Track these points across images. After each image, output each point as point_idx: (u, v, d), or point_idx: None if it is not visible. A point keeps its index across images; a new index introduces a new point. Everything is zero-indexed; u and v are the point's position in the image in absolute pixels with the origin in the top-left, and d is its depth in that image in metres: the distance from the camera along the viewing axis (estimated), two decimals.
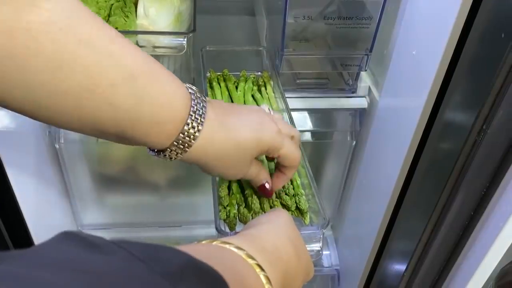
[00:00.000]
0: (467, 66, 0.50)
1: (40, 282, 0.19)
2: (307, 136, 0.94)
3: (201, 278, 0.26)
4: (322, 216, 0.52)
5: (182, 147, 0.42)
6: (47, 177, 0.84)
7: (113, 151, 0.92)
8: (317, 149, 0.97)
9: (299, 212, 0.55)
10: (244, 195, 0.56)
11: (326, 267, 1.04)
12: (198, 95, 0.43)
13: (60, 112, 0.37)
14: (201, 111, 0.42)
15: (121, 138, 0.41)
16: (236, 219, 0.53)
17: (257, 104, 0.71)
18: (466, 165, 0.51)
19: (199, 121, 0.42)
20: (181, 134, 0.42)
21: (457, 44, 0.51)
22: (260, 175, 0.52)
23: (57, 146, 0.81)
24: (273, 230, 0.41)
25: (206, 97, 0.45)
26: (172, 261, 0.25)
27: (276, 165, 0.56)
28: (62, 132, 0.80)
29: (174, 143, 0.42)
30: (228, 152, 0.45)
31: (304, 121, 0.87)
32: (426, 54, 0.58)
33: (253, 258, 0.34)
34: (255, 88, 0.73)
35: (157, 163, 0.98)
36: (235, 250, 0.34)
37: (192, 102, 0.42)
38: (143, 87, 0.38)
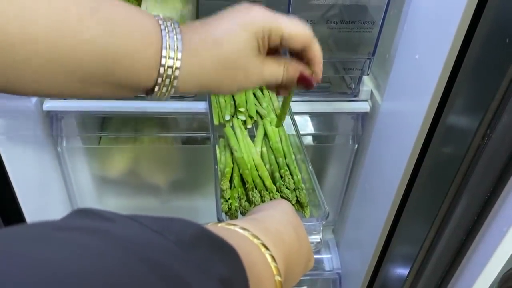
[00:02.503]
0: (471, 71, 0.50)
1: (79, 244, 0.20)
2: (309, 140, 0.94)
3: (214, 247, 0.27)
4: (322, 208, 0.53)
5: (168, 80, 0.39)
6: (48, 180, 0.84)
7: (114, 154, 0.92)
8: (319, 153, 0.97)
9: (300, 205, 0.56)
10: (245, 189, 0.57)
11: (328, 271, 1.04)
12: (168, 22, 0.40)
13: (44, 72, 0.36)
14: (174, 37, 0.39)
15: (112, 82, 0.39)
16: (237, 211, 0.54)
17: (259, 103, 0.71)
18: (470, 170, 0.51)
19: (175, 47, 0.39)
20: (161, 68, 0.39)
21: (460, 48, 0.51)
22: (285, 68, 0.45)
23: (59, 149, 0.81)
24: (275, 215, 0.41)
25: (178, 24, 0.42)
26: (184, 231, 0.26)
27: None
28: (64, 136, 0.80)
29: (159, 78, 0.39)
30: (223, 60, 0.41)
31: (306, 125, 0.87)
32: (429, 59, 0.58)
33: (258, 238, 0.34)
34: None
35: (158, 166, 0.98)
36: (240, 230, 0.34)
37: (162, 27, 0.39)
38: (108, 16, 0.37)
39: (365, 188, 0.85)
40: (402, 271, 0.71)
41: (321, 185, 1.01)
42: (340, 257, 1.04)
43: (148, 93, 0.41)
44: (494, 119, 0.45)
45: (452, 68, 0.53)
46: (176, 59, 0.39)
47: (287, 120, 0.68)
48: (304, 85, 0.47)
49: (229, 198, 0.55)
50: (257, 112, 0.70)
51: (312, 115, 0.84)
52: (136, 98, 0.78)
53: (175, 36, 0.39)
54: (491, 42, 0.46)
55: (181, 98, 0.78)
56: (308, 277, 1.05)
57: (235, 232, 0.35)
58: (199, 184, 0.99)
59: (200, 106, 0.76)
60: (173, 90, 0.40)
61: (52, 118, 0.77)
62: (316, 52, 0.46)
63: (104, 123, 0.94)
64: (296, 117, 0.82)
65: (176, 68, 0.39)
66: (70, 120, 0.80)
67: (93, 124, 0.92)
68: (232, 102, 0.71)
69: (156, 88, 0.40)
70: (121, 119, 0.93)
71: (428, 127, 0.59)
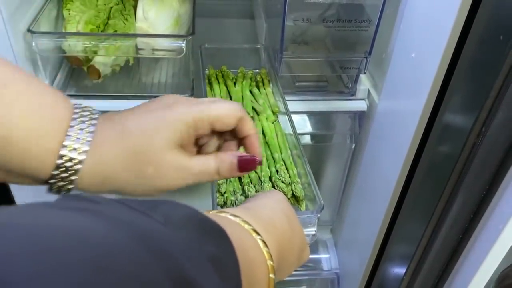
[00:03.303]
0: (466, 69, 0.50)
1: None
2: (307, 139, 0.94)
3: (202, 228, 0.27)
4: (317, 201, 0.53)
5: (66, 174, 0.35)
6: None
7: None
8: (316, 152, 0.97)
9: (295, 199, 0.57)
10: (241, 183, 0.57)
11: (326, 271, 1.03)
12: (86, 112, 0.36)
13: None
14: (86, 128, 0.35)
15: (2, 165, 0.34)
16: (233, 206, 0.54)
17: (256, 99, 0.72)
18: (465, 168, 0.51)
19: (82, 138, 0.35)
20: (59, 159, 0.34)
21: (456, 47, 0.51)
22: (217, 158, 0.40)
23: None
24: (268, 204, 0.41)
25: (99, 116, 0.37)
26: (172, 213, 0.25)
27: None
28: None
29: (56, 170, 0.35)
30: (130, 153, 0.36)
31: (303, 124, 0.87)
32: (425, 57, 0.58)
33: (249, 224, 0.34)
34: (253, 84, 0.75)
35: None
36: (231, 217, 0.35)
37: (75, 115, 0.35)
38: (14, 94, 0.33)
39: (363, 187, 0.85)
40: (400, 270, 0.71)
41: (319, 184, 1.00)
42: (338, 256, 1.04)
43: (45, 185, 0.37)
44: (489, 117, 0.45)
45: (448, 67, 0.53)
46: (80, 152, 0.35)
47: (284, 117, 0.68)
48: (247, 168, 0.41)
49: (224, 192, 0.56)
50: (253, 108, 0.70)
51: (309, 114, 0.84)
52: (133, 98, 0.78)
53: (87, 127, 0.35)
54: (486, 40, 0.46)
55: None
56: (306, 277, 1.05)
57: (226, 218, 0.35)
58: (196, 188, 0.99)
59: None
60: (71, 185, 0.36)
61: None
62: (250, 127, 0.42)
63: None
64: (293, 116, 0.82)
65: (78, 162, 0.35)
66: None
67: None
68: (229, 99, 0.71)
69: (52, 181, 0.35)
70: None
71: (425, 126, 0.59)
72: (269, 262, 0.33)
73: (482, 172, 0.50)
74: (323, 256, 1.06)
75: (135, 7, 0.78)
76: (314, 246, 1.06)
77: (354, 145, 0.87)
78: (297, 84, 0.81)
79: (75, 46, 0.71)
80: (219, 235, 0.28)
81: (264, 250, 0.33)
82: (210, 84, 0.74)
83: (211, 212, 0.35)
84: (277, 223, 0.38)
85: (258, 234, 0.34)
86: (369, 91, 0.79)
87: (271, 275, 0.33)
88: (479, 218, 0.53)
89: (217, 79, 0.74)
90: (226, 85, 0.73)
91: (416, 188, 0.65)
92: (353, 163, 0.90)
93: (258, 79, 0.76)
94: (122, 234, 0.21)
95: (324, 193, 1.01)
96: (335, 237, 1.06)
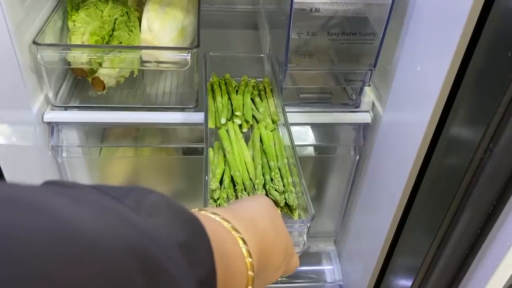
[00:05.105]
0: (473, 83, 0.50)
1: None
2: (310, 151, 0.94)
3: (173, 214, 0.27)
4: (309, 211, 0.53)
5: None
6: None
7: (114, 165, 0.92)
8: (320, 164, 0.96)
9: (288, 208, 0.56)
10: (235, 190, 0.57)
11: (329, 283, 1.03)
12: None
13: None
14: None
15: None
16: None
17: (256, 108, 0.72)
18: (473, 183, 0.50)
19: None
20: None
21: (462, 61, 0.51)
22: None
23: (59, 160, 0.80)
24: (250, 205, 0.40)
25: None
26: (143, 199, 0.26)
27: None
28: (64, 146, 0.79)
29: None
30: None
31: (307, 136, 0.87)
32: (430, 71, 0.58)
33: (228, 222, 0.34)
34: (256, 92, 0.75)
35: (159, 177, 0.97)
36: (211, 215, 0.34)
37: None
38: None
39: (367, 199, 0.85)
40: (405, 283, 0.70)
41: (323, 196, 1.00)
42: (342, 268, 1.03)
43: None
44: (496, 132, 0.45)
45: (454, 81, 0.53)
46: None
47: (283, 128, 0.69)
48: None
49: (218, 198, 0.55)
50: (253, 117, 0.70)
51: (314, 126, 0.84)
52: (137, 109, 0.78)
53: None
54: (493, 56, 0.46)
55: (181, 109, 0.78)
56: None
57: (205, 216, 0.34)
58: (199, 194, 0.98)
59: (200, 117, 0.76)
60: None
61: (53, 129, 0.77)
62: None
63: (104, 134, 0.94)
64: (297, 128, 0.82)
65: None
66: (71, 131, 0.79)
67: (93, 135, 0.91)
68: (230, 106, 0.72)
69: None
70: (122, 130, 0.92)
71: (430, 139, 0.59)
72: (248, 259, 0.33)
73: (489, 187, 0.49)
74: (326, 267, 1.05)
75: (140, 19, 0.78)
76: (317, 258, 1.06)
77: (358, 157, 0.87)
78: (301, 95, 0.81)
79: (80, 58, 0.72)
80: (191, 222, 0.28)
81: (243, 247, 0.33)
82: (213, 91, 0.74)
83: (191, 210, 0.35)
84: (259, 223, 0.37)
85: (237, 232, 0.33)
86: (373, 103, 0.79)
87: (250, 273, 0.33)
88: (486, 233, 0.52)
89: (220, 87, 0.75)
90: (228, 93, 0.74)
91: (422, 202, 0.65)
92: (357, 175, 0.89)
93: (260, 87, 0.77)
94: (88, 211, 0.21)
95: (328, 204, 1.00)
96: (339, 249, 1.05)
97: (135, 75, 0.81)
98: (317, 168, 0.96)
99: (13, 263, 0.16)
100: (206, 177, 0.57)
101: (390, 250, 0.76)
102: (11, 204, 0.19)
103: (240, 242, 0.33)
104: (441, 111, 0.56)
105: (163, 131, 0.90)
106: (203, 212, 0.34)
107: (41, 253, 0.17)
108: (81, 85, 0.82)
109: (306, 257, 1.05)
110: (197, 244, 0.27)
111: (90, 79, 0.76)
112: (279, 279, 1.02)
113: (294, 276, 1.02)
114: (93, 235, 0.20)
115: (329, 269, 1.04)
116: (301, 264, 1.14)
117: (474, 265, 0.56)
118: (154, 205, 0.26)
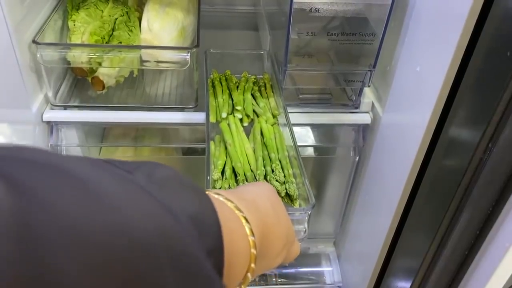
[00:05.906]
0: (472, 84, 0.50)
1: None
2: (310, 151, 0.94)
3: (184, 187, 0.28)
4: (309, 199, 0.54)
5: None
6: None
7: None
8: (320, 165, 0.96)
9: (289, 198, 0.57)
10: (237, 181, 0.58)
11: (329, 284, 1.02)
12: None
13: None
14: None
15: None
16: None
17: (256, 103, 0.72)
18: (472, 183, 0.50)
19: None
20: None
21: (461, 61, 0.51)
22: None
23: None
24: (253, 190, 0.41)
25: None
26: (155, 172, 0.27)
27: None
28: (63, 146, 0.79)
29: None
30: None
31: (307, 136, 0.86)
32: (430, 71, 0.58)
33: (232, 202, 0.34)
34: (256, 88, 0.76)
35: None
36: (214, 195, 0.34)
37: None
38: None
39: (366, 201, 0.85)
40: (404, 284, 0.70)
41: (322, 197, 1.00)
42: (341, 270, 1.03)
43: None
44: (496, 132, 0.45)
45: (454, 81, 0.53)
46: None
47: (283, 122, 0.69)
48: None
49: (219, 188, 0.56)
50: (254, 111, 0.71)
51: (313, 126, 0.84)
52: (136, 109, 0.78)
53: None
54: (493, 56, 0.46)
55: (181, 109, 0.78)
56: None
57: (209, 195, 0.34)
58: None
59: (200, 117, 0.76)
60: None
61: (52, 129, 0.77)
62: None
63: (104, 134, 0.94)
64: (297, 128, 0.82)
65: None
66: (70, 131, 0.79)
67: (93, 135, 0.91)
68: (230, 101, 0.72)
69: None
70: (122, 130, 0.92)
71: (430, 140, 0.59)
72: (251, 238, 0.33)
73: (489, 187, 0.49)
74: (326, 269, 1.05)
75: (140, 19, 0.78)
76: (317, 259, 1.06)
77: (357, 157, 0.86)
78: (301, 96, 0.81)
79: (80, 57, 0.72)
80: (200, 195, 0.29)
81: (246, 226, 0.33)
82: (214, 87, 0.75)
83: None
84: (261, 206, 0.38)
85: (240, 211, 0.34)
86: (373, 104, 0.79)
87: (253, 250, 0.33)
88: (486, 234, 0.52)
89: (220, 83, 0.76)
90: (228, 88, 0.74)
91: (421, 202, 0.64)
92: (357, 176, 0.89)
93: (260, 83, 0.77)
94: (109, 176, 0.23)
95: (328, 205, 1.00)
96: (338, 250, 1.05)
97: (134, 75, 0.81)
98: (316, 169, 0.96)
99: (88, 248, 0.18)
100: (208, 177, 0.57)
101: (390, 251, 0.76)
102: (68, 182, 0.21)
103: (243, 220, 0.33)
104: (440, 112, 0.56)
105: (163, 131, 0.90)
106: (206, 192, 0.35)
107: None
108: (80, 84, 0.82)
109: (306, 258, 1.05)
110: (205, 216, 0.28)
111: (89, 79, 0.76)
112: (278, 278, 1.02)
113: (293, 277, 1.02)
114: (130, 215, 0.21)
115: (329, 271, 1.04)
116: (301, 266, 1.14)
117: (473, 266, 0.56)
118: (164, 178, 0.27)
